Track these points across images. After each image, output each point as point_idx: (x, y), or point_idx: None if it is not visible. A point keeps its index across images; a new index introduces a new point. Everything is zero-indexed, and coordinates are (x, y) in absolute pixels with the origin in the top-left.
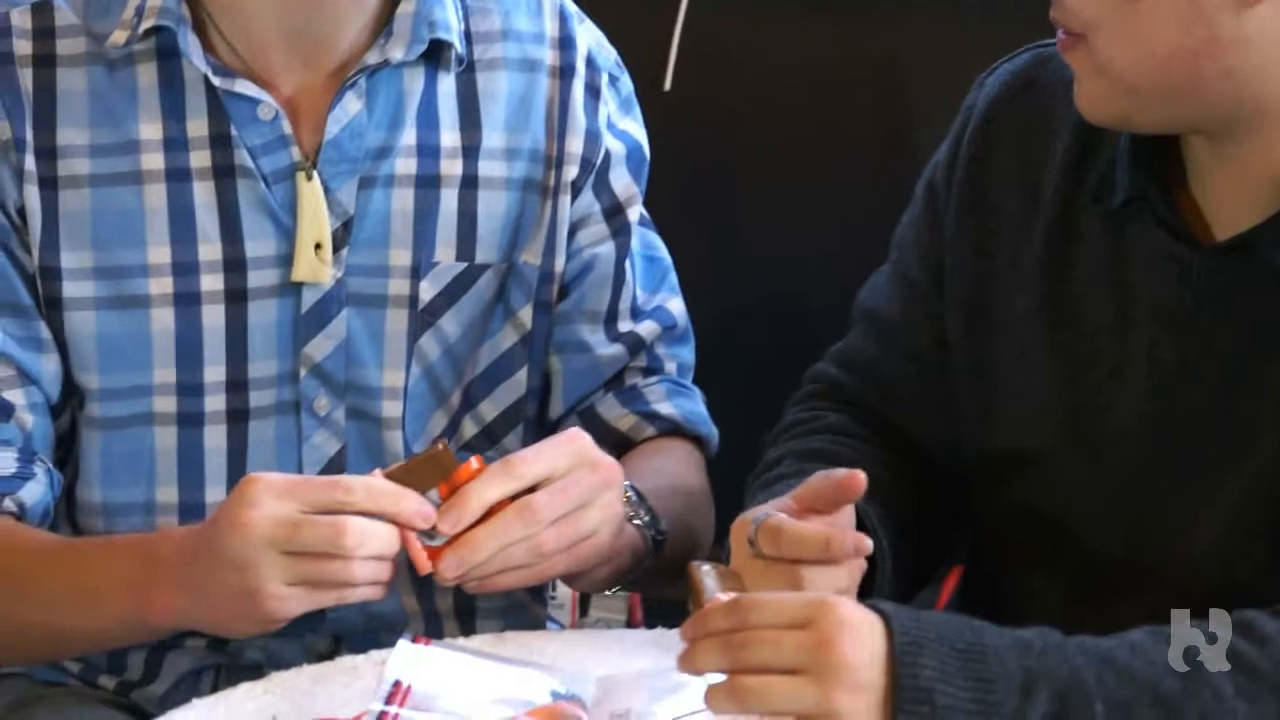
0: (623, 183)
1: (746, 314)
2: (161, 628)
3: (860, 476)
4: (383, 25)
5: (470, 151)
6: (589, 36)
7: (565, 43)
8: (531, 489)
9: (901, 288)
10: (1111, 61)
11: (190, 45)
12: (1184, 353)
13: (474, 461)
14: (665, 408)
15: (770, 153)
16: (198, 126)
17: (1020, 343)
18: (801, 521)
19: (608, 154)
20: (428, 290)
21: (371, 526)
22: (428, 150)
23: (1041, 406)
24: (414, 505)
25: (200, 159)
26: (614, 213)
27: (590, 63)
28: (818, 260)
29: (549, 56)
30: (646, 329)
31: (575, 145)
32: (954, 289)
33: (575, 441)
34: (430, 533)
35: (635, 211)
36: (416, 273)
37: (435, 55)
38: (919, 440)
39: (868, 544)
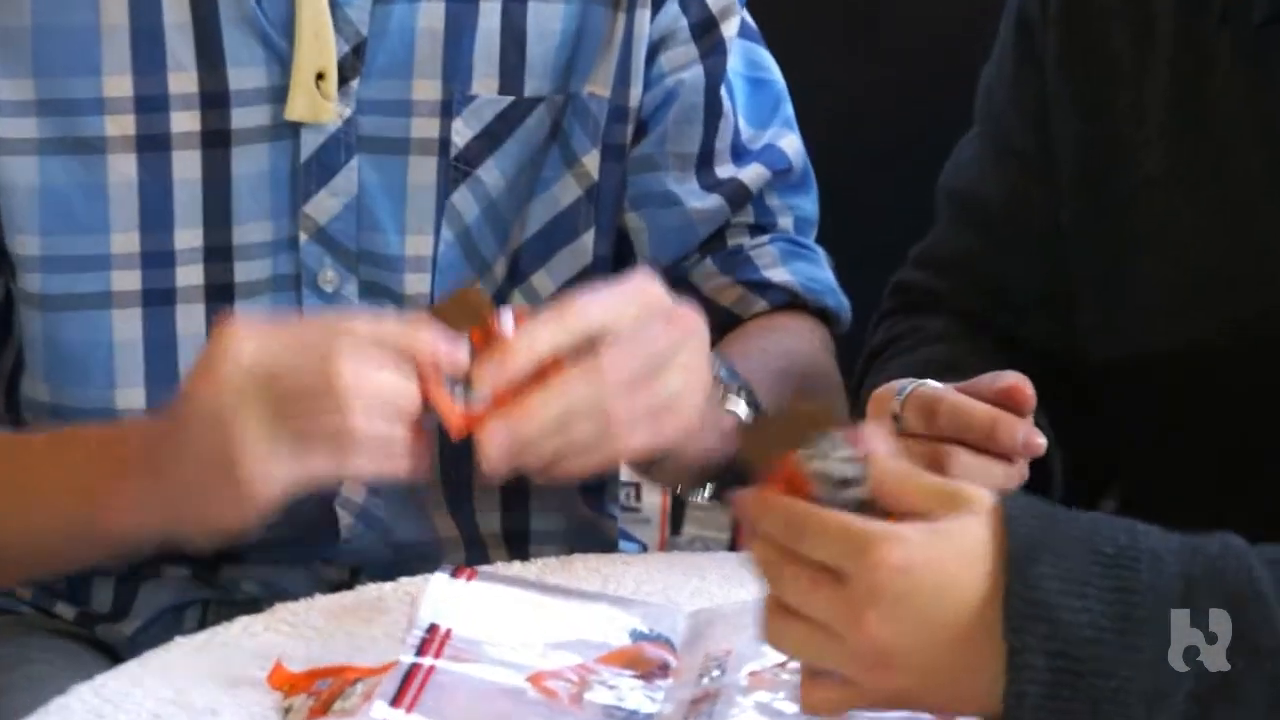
0: None
1: (878, 150)
2: (114, 532)
3: (1028, 386)
4: None
5: None
6: None
7: None
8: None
9: (1001, 160)
10: None
11: None
12: None
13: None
14: (779, 274)
15: None
16: None
17: (1156, 215)
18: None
19: None
20: (462, 132)
21: (376, 367)
22: None
23: (1193, 292)
24: (436, 341)
25: None
26: (706, 28)
27: None
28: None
29: None
30: (752, 174)
31: None
32: (1064, 155)
33: (644, 287)
34: (464, 392)
35: (734, 23)
36: (448, 109)
37: None
38: (1037, 349)
39: (1041, 441)
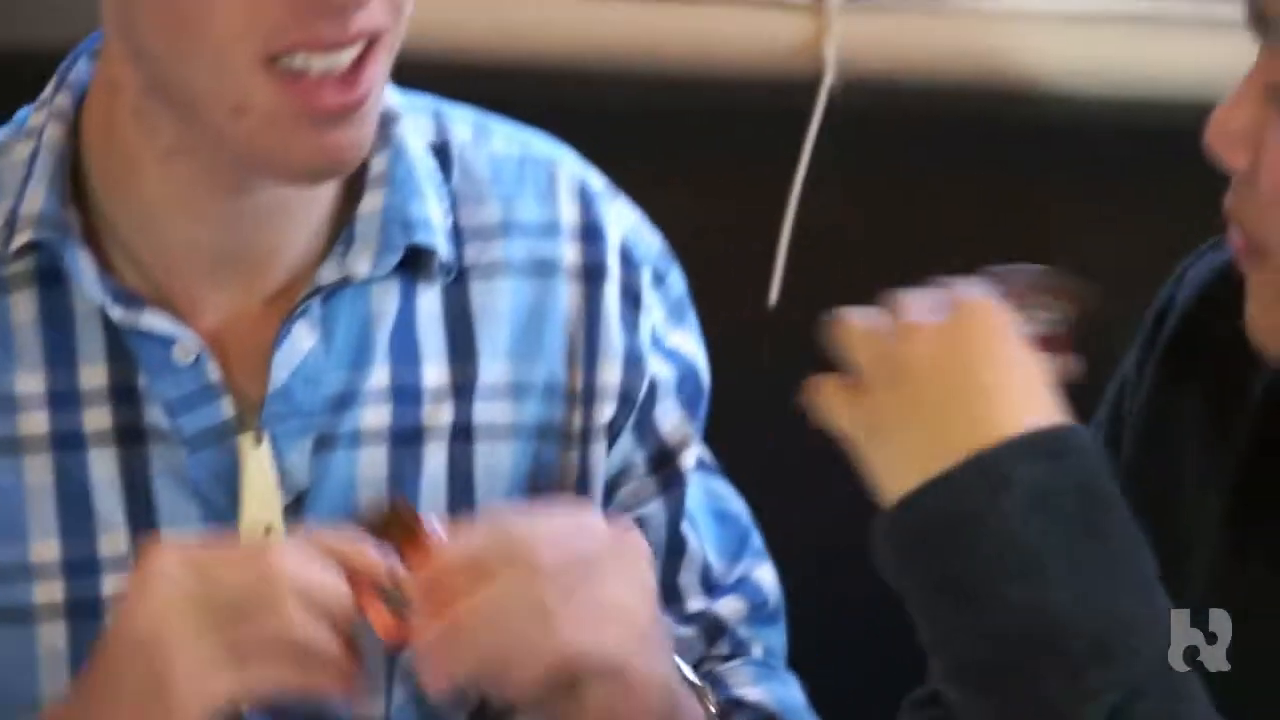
0: (673, 420)
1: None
2: None
3: None
4: (341, 228)
5: (463, 391)
6: (623, 221)
7: (590, 232)
8: None
9: None
10: None
11: (81, 265)
12: None
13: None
14: (754, 692)
15: None
16: (93, 375)
17: None
18: None
19: (654, 383)
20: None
21: (310, 569)
22: (405, 393)
23: None
24: (367, 551)
25: (97, 419)
26: (663, 462)
27: (626, 258)
28: None
29: (568, 253)
30: (729, 607)
31: (610, 374)
32: None
33: (582, 508)
34: (397, 601)
35: (691, 456)
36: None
37: (413, 263)
38: None
39: None
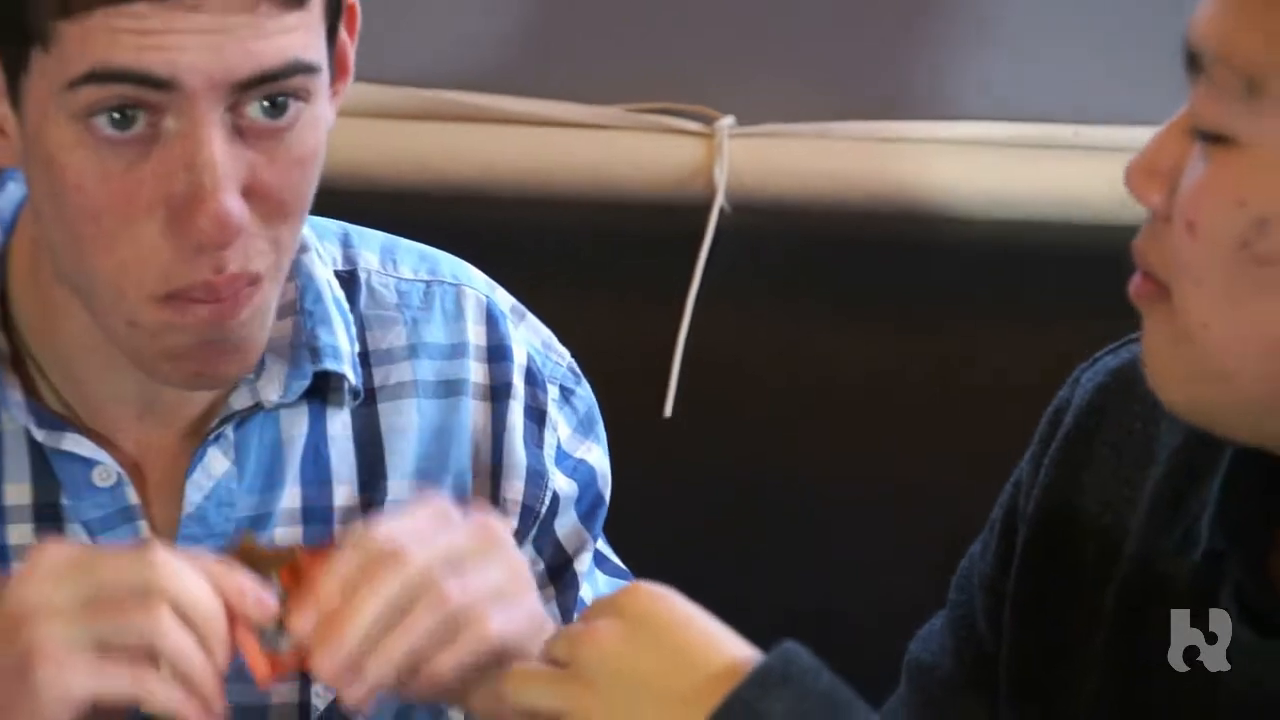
0: (568, 529)
1: None
2: None
3: None
4: None
5: (372, 509)
6: (530, 340)
7: (496, 353)
8: None
9: (958, 634)
10: (1206, 329)
11: (8, 388)
12: None
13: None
14: None
15: (789, 493)
16: (18, 493)
17: None
18: None
19: (556, 498)
20: (323, 695)
21: (192, 584)
22: (316, 513)
23: None
24: (245, 581)
25: (20, 535)
26: (560, 569)
27: (532, 377)
28: (845, 624)
29: (475, 373)
30: None
31: (513, 490)
32: (1008, 652)
33: (432, 501)
34: (274, 640)
35: (585, 560)
36: (306, 674)
37: (323, 388)
38: None
39: None
